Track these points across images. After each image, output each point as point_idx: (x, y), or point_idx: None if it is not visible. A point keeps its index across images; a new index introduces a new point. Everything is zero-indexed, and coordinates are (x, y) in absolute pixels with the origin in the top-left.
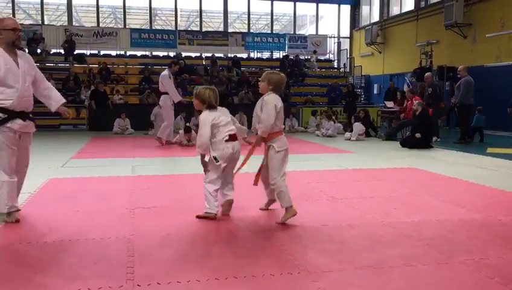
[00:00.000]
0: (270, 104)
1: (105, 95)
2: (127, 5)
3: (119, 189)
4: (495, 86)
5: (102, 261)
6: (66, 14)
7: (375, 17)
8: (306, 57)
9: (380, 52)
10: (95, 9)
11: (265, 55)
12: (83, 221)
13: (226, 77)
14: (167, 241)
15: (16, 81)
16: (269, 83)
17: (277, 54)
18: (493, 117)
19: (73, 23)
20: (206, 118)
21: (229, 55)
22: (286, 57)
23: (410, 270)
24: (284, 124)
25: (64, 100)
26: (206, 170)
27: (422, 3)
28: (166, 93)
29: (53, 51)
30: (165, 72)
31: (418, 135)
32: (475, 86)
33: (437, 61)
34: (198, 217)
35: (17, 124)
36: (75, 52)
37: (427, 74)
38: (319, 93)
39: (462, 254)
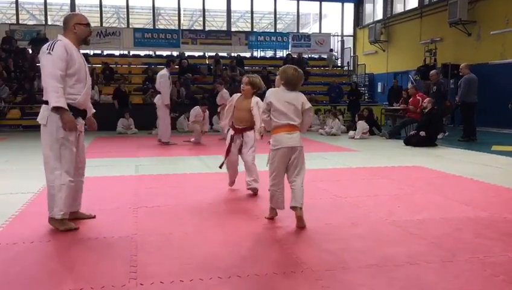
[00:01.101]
0: (265, 98)
1: (126, 94)
2: (130, 4)
3: (123, 189)
4: (499, 83)
5: (105, 261)
6: None
7: (379, 15)
8: (310, 56)
9: (384, 50)
10: (98, 9)
11: (269, 54)
12: (86, 220)
13: (229, 76)
14: (170, 241)
15: (85, 77)
16: (281, 77)
17: (280, 53)
18: (498, 115)
19: None
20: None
21: (233, 54)
22: (288, 55)
23: (414, 269)
24: None
25: (94, 110)
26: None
27: (426, 1)
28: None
29: None
30: (164, 72)
31: (422, 133)
32: (479, 84)
33: (441, 59)
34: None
35: (80, 123)
36: None
37: (432, 72)
38: (322, 92)
39: (467, 252)
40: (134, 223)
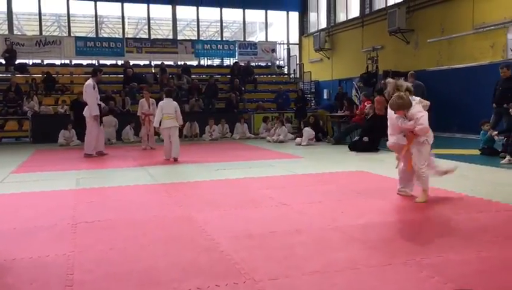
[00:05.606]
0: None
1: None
2: (71, 12)
3: (62, 203)
4: (437, 89)
5: (39, 281)
6: (6, 22)
7: (323, 24)
8: (257, 64)
9: (329, 58)
10: (37, 17)
11: (216, 62)
12: (20, 239)
13: (176, 85)
14: (109, 256)
15: None
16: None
17: (227, 61)
18: (434, 119)
19: (15, 32)
20: None
21: (179, 62)
22: (236, 63)
23: (355, 274)
24: (232, 132)
25: None
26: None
27: (367, 10)
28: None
29: None
30: (89, 82)
31: (365, 139)
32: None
33: (383, 66)
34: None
35: None
36: (16, 62)
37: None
38: (270, 100)
39: (404, 254)
40: (72, 239)
